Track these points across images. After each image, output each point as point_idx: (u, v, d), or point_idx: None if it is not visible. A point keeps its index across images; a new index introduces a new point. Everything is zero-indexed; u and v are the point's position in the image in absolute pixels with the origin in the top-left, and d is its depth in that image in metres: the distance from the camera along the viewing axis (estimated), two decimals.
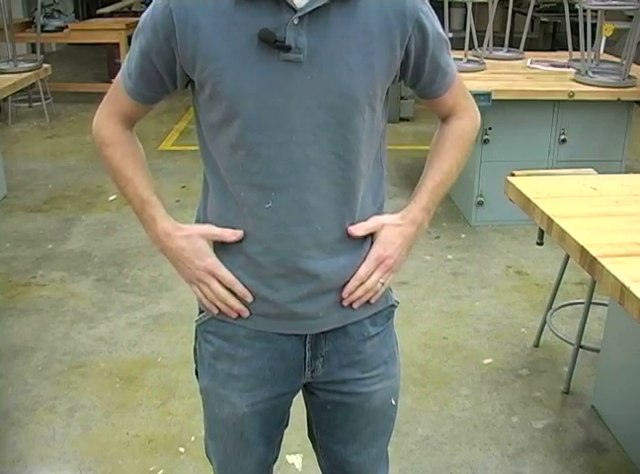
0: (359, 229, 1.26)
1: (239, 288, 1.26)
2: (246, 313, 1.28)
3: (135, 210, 1.30)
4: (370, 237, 1.30)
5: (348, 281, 1.28)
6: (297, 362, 1.33)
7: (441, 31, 1.26)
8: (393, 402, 1.42)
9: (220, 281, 1.26)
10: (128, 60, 1.25)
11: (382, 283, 1.30)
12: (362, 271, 1.28)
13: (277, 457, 1.52)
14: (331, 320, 1.30)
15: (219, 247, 1.28)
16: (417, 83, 1.29)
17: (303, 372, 1.34)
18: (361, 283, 1.28)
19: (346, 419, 1.39)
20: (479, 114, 1.39)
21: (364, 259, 1.29)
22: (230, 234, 1.24)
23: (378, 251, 1.28)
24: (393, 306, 1.39)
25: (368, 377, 1.36)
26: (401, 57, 1.21)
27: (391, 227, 1.29)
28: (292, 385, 1.37)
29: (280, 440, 1.49)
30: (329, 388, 1.37)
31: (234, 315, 1.29)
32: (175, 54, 1.17)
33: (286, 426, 1.47)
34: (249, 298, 1.27)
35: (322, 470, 1.56)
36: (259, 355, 1.31)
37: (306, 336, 1.31)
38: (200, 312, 1.36)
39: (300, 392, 1.43)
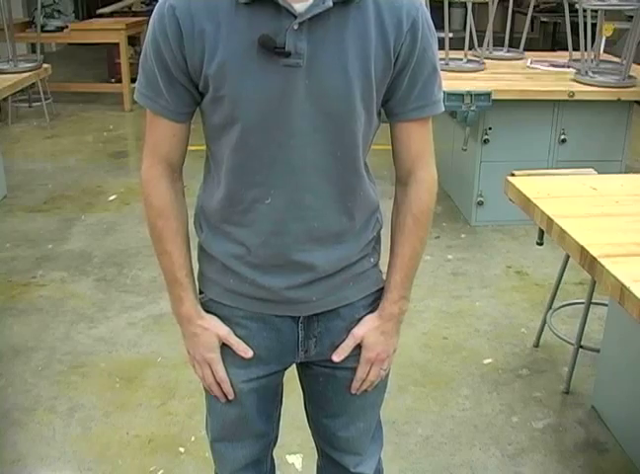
0: (340, 354, 1.37)
1: (226, 387, 1.38)
2: (230, 396, 1.39)
3: (166, 282, 1.36)
4: (370, 225, 1.35)
5: (342, 269, 1.32)
6: (291, 343, 1.37)
7: (433, 58, 1.23)
8: (383, 370, 1.44)
9: (213, 372, 1.38)
10: (150, 85, 1.22)
11: (384, 370, 1.42)
12: (360, 374, 1.40)
13: (276, 437, 1.56)
14: (324, 303, 1.35)
15: (220, 233, 1.31)
16: (392, 96, 1.24)
17: (297, 352, 1.39)
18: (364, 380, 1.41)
19: (337, 392, 1.44)
20: (436, 173, 1.35)
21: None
22: (244, 350, 1.35)
23: (367, 355, 1.38)
24: (383, 288, 1.42)
25: (359, 353, 1.40)
26: (394, 62, 1.20)
27: (371, 331, 1.37)
28: (285, 364, 1.43)
29: (278, 419, 1.54)
30: (322, 363, 1.42)
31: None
32: (187, 63, 1.18)
33: (281, 402, 1.52)
34: (230, 396, 1.39)
35: (317, 450, 1.61)
36: (255, 334, 1.36)
37: (299, 317, 1.35)
38: (200, 293, 1.39)
39: (297, 382, 1.49)
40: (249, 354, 1.35)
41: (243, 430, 1.46)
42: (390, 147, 1.34)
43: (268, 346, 1.37)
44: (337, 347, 1.38)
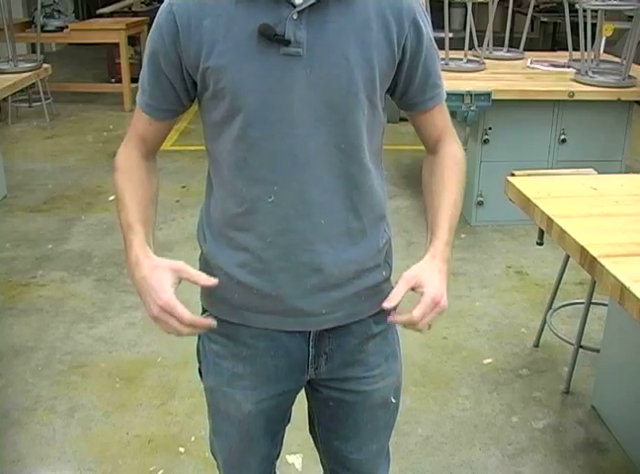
0: (391, 300, 1.19)
1: (201, 323, 1.19)
2: (213, 323, 1.21)
3: (123, 235, 1.25)
4: (379, 230, 1.32)
5: (352, 278, 1.28)
6: (301, 360, 1.33)
7: (434, 42, 1.27)
8: (393, 400, 1.42)
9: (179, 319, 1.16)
10: (141, 77, 1.26)
11: (429, 326, 1.23)
12: (417, 314, 1.18)
13: (279, 453, 1.53)
14: (334, 318, 1.30)
15: (224, 240, 1.28)
16: (408, 89, 1.27)
17: (307, 370, 1.35)
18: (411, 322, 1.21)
19: (347, 415, 1.40)
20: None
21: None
22: (205, 279, 1.18)
23: (433, 292, 1.19)
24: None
25: (370, 376, 1.37)
26: (399, 56, 1.21)
27: (429, 268, 1.22)
28: (296, 383, 1.38)
29: (283, 436, 1.51)
30: (331, 385, 1.38)
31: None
32: (180, 58, 1.19)
33: (289, 422, 1.48)
34: (214, 324, 1.21)
35: (323, 467, 1.57)
36: (262, 353, 1.32)
37: (310, 333, 1.31)
38: (204, 311, 1.36)
39: (303, 389, 1.44)
40: (211, 281, 1.18)
41: (249, 454, 1.44)
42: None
43: (276, 364, 1.33)
44: (348, 365, 1.34)
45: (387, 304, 1.19)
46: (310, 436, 1.56)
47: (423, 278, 1.21)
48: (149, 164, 1.33)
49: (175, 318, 1.15)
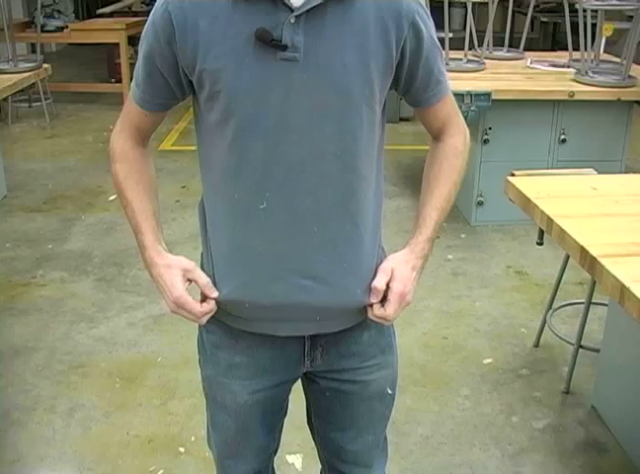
0: (377, 294, 1.26)
1: (212, 309, 1.27)
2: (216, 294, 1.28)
3: (133, 232, 1.33)
4: (377, 239, 1.32)
5: (346, 284, 1.28)
6: (297, 352, 1.35)
7: (436, 38, 1.26)
8: (389, 391, 1.44)
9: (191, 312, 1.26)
10: (136, 71, 1.27)
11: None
12: (391, 313, 1.26)
13: (277, 447, 1.55)
14: (328, 325, 1.32)
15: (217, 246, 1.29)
16: (410, 88, 1.28)
17: (303, 362, 1.36)
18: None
19: (344, 406, 1.42)
20: (466, 127, 1.39)
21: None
22: (210, 289, 1.26)
23: (400, 289, 1.26)
24: None
25: (367, 366, 1.38)
26: (397, 59, 1.21)
27: (403, 264, 1.28)
28: (292, 374, 1.40)
29: (281, 429, 1.52)
30: (328, 376, 1.39)
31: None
32: (177, 57, 1.18)
33: (285, 414, 1.50)
34: (216, 295, 1.28)
35: (321, 462, 1.58)
36: (259, 345, 1.34)
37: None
38: None
39: (300, 382, 1.46)
40: (214, 294, 1.27)
41: (245, 445, 1.45)
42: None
43: (272, 356, 1.35)
44: (344, 356, 1.35)
45: (374, 299, 1.27)
46: (309, 432, 1.57)
47: (395, 274, 1.27)
48: (145, 150, 1.35)
49: (187, 311, 1.25)
